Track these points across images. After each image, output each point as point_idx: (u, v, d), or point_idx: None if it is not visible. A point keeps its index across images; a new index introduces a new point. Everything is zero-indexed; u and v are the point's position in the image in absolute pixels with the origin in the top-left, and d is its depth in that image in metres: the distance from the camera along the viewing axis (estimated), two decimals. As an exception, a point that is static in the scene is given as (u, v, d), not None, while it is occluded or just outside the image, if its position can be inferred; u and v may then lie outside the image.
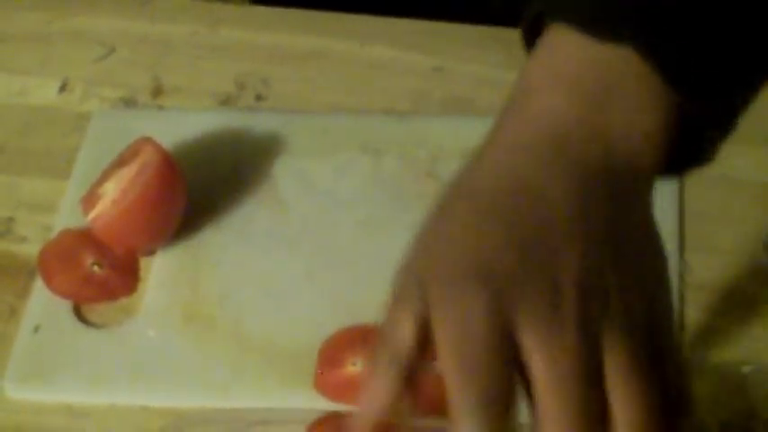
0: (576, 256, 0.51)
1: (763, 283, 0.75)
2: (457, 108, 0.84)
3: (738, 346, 0.73)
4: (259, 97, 0.86)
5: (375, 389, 0.53)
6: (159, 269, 0.77)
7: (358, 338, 0.71)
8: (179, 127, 0.83)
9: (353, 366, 0.70)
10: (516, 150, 0.54)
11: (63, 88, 0.87)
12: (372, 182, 0.80)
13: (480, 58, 0.87)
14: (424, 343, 0.52)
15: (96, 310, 0.75)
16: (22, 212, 0.81)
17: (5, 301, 0.77)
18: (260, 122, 0.83)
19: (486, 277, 0.51)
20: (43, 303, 0.76)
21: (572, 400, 0.50)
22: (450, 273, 0.52)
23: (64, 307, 0.75)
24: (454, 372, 0.50)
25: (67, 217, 0.79)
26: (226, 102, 0.86)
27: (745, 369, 0.71)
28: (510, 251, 0.52)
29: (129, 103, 0.86)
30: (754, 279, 0.75)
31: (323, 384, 0.70)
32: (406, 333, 0.53)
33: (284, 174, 0.81)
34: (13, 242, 0.79)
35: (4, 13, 0.92)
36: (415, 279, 0.54)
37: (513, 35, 0.87)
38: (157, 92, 0.87)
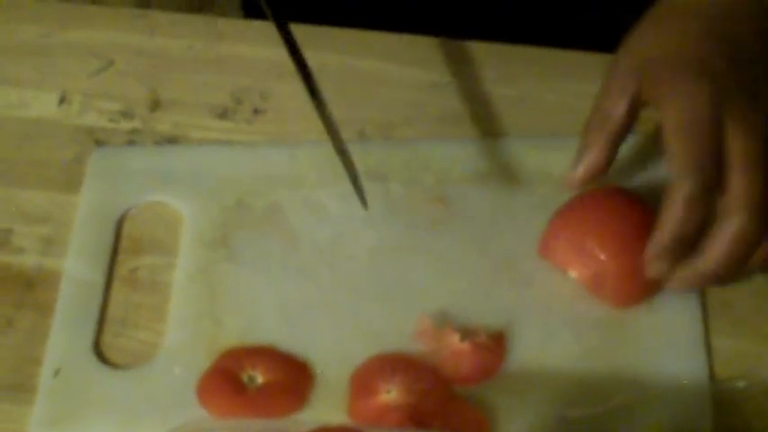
0: (764, 73, 0.70)
1: (758, 300, 0.76)
2: (453, 123, 0.84)
3: (733, 362, 0.73)
4: (256, 111, 0.86)
5: (591, 150, 0.71)
6: (178, 305, 0.77)
7: (389, 366, 0.72)
8: (180, 162, 0.83)
9: (388, 394, 0.70)
10: None
11: (61, 101, 0.87)
12: (381, 208, 0.80)
13: (477, 74, 0.87)
14: (633, 119, 0.71)
15: (118, 350, 0.75)
16: (19, 224, 0.81)
17: (2, 313, 0.77)
18: (262, 153, 0.83)
19: (708, 74, 0.69)
20: (62, 345, 0.75)
21: (758, 175, 0.68)
22: (675, 64, 0.69)
23: (84, 347, 0.75)
24: (682, 147, 0.67)
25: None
26: (223, 115, 0.86)
27: (740, 384, 0.72)
28: (722, 60, 0.69)
29: (126, 115, 0.86)
30: (750, 295, 0.76)
31: (357, 413, 0.71)
32: (620, 108, 0.70)
33: (292, 204, 0.80)
34: (10, 253, 0.79)
35: (3, 26, 0.92)
36: (636, 63, 0.71)
37: (511, 51, 0.89)
38: (155, 105, 0.87)
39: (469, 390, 0.72)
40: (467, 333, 0.73)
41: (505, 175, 0.79)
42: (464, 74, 0.88)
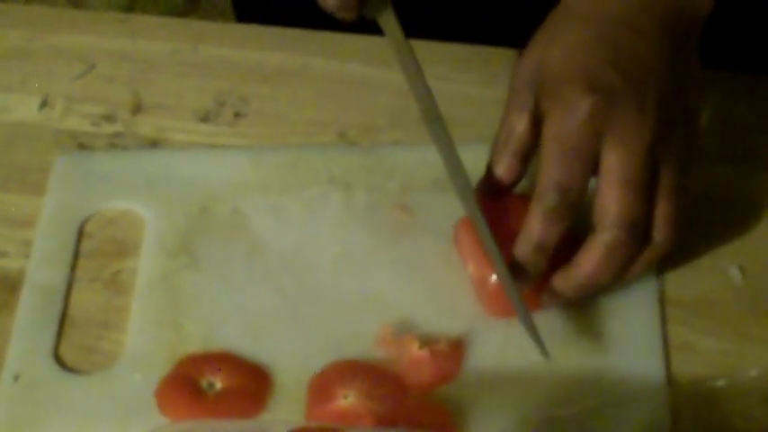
0: (658, 89, 0.67)
1: (736, 299, 0.76)
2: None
3: (715, 361, 0.73)
4: (238, 114, 0.87)
5: (497, 166, 0.71)
6: (139, 311, 0.76)
7: (347, 372, 0.72)
8: (143, 167, 0.83)
9: (345, 399, 0.70)
10: None
11: (44, 104, 0.87)
12: (345, 216, 0.80)
13: (458, 77, 0.88)
14: (536, 133, 0.69)
15: (78, 355, 0.75)
16: (2, 228, 0.81)
17: (-15, 316, 0.77)
18: (226, 159, 0.83)
19: (592, 85, 0.66)
20: (22, 350, 0.75)
21: (632, 192, 0.67)
22: (561, 75, 0.67)
23: (44, 352, 0.74)
24: (550, 160, 0.67)
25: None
26: (205, 119, 0.86)
27: (720, 383, 0.72)
28: (612, 70, 0.67)
29: (109, 119, 0.86)
30: (728, 294, 0.76)
31: (315, 418, 0.71)
32: (522, 124, 0.69)
33: (256, 211, 0.80)
34: (-7, 257, 0.80)
35: (-16, 30, 0.92)
36: (531, 75, 0.69)
37: (492, 53, 0.89)
38: (137, 108, 0.87)
39: (430, 394, 0.72)
40: (426, 341, 0.73)
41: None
42: (446, 77, 0.88)
